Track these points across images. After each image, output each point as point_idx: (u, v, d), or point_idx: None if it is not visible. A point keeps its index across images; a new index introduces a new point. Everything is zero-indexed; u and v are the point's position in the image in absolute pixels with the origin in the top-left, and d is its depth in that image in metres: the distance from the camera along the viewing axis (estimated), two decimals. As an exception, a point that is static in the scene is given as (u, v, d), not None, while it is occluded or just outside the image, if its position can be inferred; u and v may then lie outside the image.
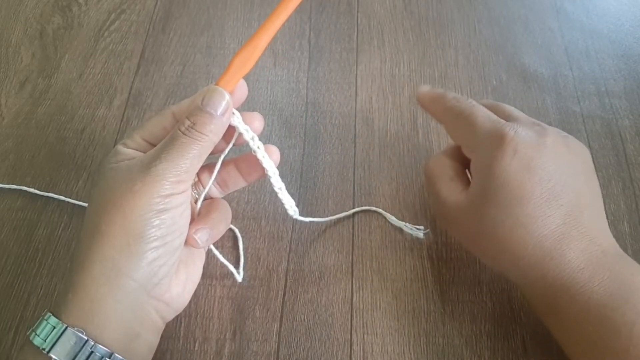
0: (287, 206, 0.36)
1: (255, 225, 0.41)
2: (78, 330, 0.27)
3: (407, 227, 0.39)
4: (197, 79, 0.48)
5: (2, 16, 0.52)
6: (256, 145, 0.33)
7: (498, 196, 0.30)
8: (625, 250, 0.40)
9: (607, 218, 0.42)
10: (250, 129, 0.32)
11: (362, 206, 0.42)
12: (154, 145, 0.31)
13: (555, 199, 0.30)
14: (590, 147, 0.45)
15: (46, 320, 0.28)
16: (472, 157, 0.33)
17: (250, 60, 0.31)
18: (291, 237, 0.40)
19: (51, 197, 0.41)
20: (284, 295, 0.38)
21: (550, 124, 0.46)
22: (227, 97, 0.30)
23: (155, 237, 0.28)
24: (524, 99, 0.48)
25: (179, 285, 0.32)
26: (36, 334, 0.27)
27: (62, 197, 0.41)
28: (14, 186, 0.42)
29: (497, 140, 0.31)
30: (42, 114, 0.46)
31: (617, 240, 0.41)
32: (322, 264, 0.39)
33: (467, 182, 0.34)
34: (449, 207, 0.33)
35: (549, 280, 0.30)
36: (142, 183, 0.28)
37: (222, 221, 0.34)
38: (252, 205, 0.42)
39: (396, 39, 0.52)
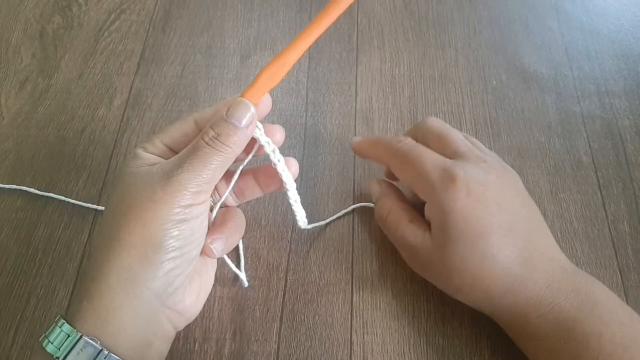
0: (298, 217, 0.36)
1: (255, 225, 0.41)
2: (92, 340, 0.27)
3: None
4: (197, 79, 0.49)
5: (2, 16, 0.52)
6: (277, 158, 0.33)
7: (462, 233, 0.31)
8: (625, 250, 0.41)
9: (607, 218, 0.42)
10: (271, 142, 0.32)
11: (362, 206, 0.42)
12: (174, 151, 0.31)
13: (512, 228, 0.32)
14: (590, 147, 0.45)
15: (59, 327, 0.27)
16: (426, 199, 0.34)
17: (278, 75, 0.30)
18: (291, 237, 0.40)
19: (51, 197, 0.41)
20: (284, 295, 0.38)
21: (550, 124, 0.47)
22: (252, 109, 0.30)
23: (173, 248, 0.28)
24: (524, 99, 0.48)
25: (193, 295, 0.32)
26: (49, 341, 0.27)
27: (62, 197, 0.41)
28: (14, 186, 0.42)
29: (449, 183, 0.32)
30: (42, 114, 0.46)
31: (617, 240, 0.41)
32: (322, 264, 0.39)
33: (424, 221, 0.35)
34: (417, 249, 0.34)
35: (521, 304, 0.32)
36: (162, 192, 0.28)
37: (237, 231, 0.34)
38: (252, 205, 0.42)
39: (396, 39, 0.52)
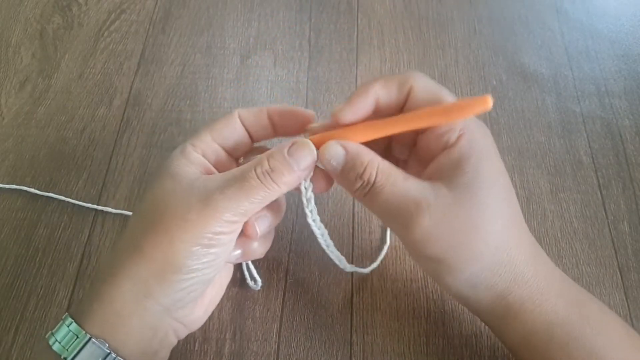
0: (336, 261, 0.35)
1: (255, 225, 0.41)
2: (101, 342, 0.27)
3: None
4: (197, 79, 0.48)
5: (2, 16, 0.52)
6: (309, 209, 0.31)
7: (495, 184, 0.28)
8: (625, 250, 0.40)
9: (607, 218, 0.42)
10: (310, 189, 0.31)
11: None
12: (222, 148, 0.31)
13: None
14: (590, 147, 0.45)
15: (67, 326, 0.27)
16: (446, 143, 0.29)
17: (353, 138, 0.29)
18: (291, 237, 0.40)
19: (51, 197, 0.41)
20: (284, 295, 0.38)
21: (550, 124, 0.47)
22: (315, 156, 0.29)
23: (193, 269, 0.28)
24: (524, 99, 0.48)
25: (202, 309, 0.32)
26: (56, 340, 0.27)
27: (62, 197, 0.41)
28: (14, 186, 0.42)
29: (485, 129, 0.29)
30: (42, 114, 0.46)
31: (617, 240, 0.41)
32: (322, 264, 0.39)
33: (420, 179, 0.29)
34: (428, 208, 0.27)
35: (540, 276, 0.29)
36: (197, 214, 0.27)
37: (279, 210, 0.33)
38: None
39: (396, 39, 0.52)
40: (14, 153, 0.44)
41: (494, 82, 0.49)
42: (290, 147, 0.29)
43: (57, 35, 0.51)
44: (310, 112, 0.32)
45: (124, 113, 0.46)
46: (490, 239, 0.28)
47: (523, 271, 0.29)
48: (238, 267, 0.38)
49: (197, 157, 0.30)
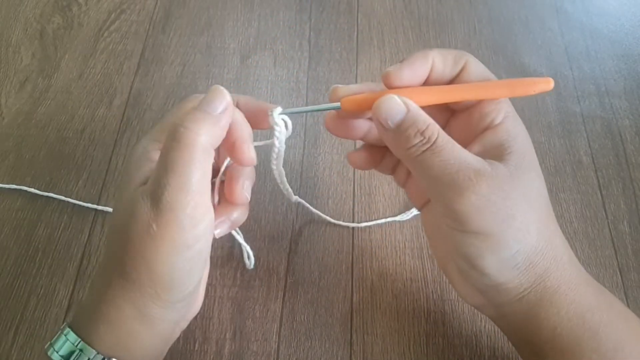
0: (284, 192, 0.35)
1: (255, 226, 0.41)
2: None
3: None
4: (197, 79, 0.48)
5: (2, 16, 0.52)
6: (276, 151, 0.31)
7: (535, 171, 0.28)
8: (625, 250, 0.41)
9: (607, 218, 0.42)
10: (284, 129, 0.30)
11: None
12: None
13: None
14: (590, 147, 0.45)
15: (73, 343, 0.27)
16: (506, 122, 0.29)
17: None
18: (291, 237, 0.40)
19: (51, 197, 0.41)
20: (284, 295, 0.38)
21: (550, 124, 0.47)
22: (228, 97, 0.27)
23: (183, 280, 0.27)
24: (524, 99, 0.48)
25: (198, 300, 0.32)
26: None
27: (62, 197, 0.41)
28: (14, 186, 0.42)
29: (517, 120, 0.30)
30: (42, 114, 0.46)
31: (617, 240, 0.41)
32: (322, 264, 0.39)
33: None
34: (485, 178, 0.26)
35: (574, 261, 0.29)
36: (156, 225, 0.25)
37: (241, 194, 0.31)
38: (252, 205, 0.41)
39: (396, 39, 0.52)
40: (14, 153, 0.44)
41: (494, 82, 0.49)
42: (202, 101, 0.27)
43: (57, 35, 0.51)
44: (271, 105, 0.30)
45: (124, 113, 0.46)
46: (539, 215, 0.28)
47: (561, 253, 0.29)
48: (234, 242, 0.38)
49: (156, 152, 0.28)
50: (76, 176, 0.43)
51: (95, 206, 0.41)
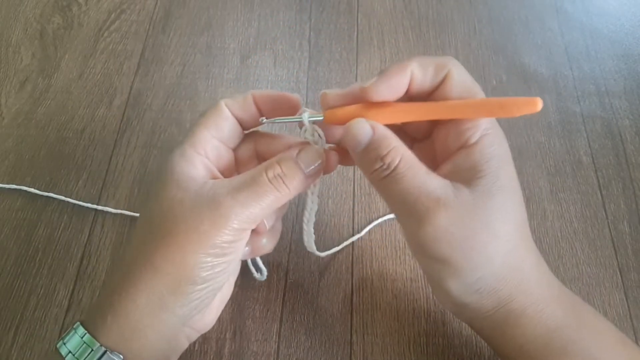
0: (305, 238, 0.35)
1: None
2: (116, 356, 0.27)
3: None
4: (197, 79, 0.48)
5: (2, 16, 0.52)
6: (312, 194, 0.32)
7: (513, 189, 0.28)
8: (625, 250, 0.40)
9: (607, 218, 0.42)
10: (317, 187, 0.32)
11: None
12: (220, 141, 0.30)
13: None
14: (590, 147, 0.45)
15: (80, 337, 0.27)
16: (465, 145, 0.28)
17: (381, 118, 0.28)
18: (291, 237, 0.40)
19: (51, 197, 0.41)
20: (284, 295, 0.38)
21: (550, 123, 0.47)
22: (322, 159, 0.29)
23: (207, 279, 0.28)
24: (524, 99, 0.48)
25: (212, 313, 0.32)
26: (69, 351, 0.27)
27: (62, 197, 0.41)
28: (14, 186, 0.42)
29: (502, 138, 0.29)
30: (42, 114, 0.46)
31: (617, 240, 0.41)
32: (322, 264, 0.39)
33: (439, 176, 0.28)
34: (446, 205, 0.26)
35: (543, 282, 0.29)
36: (210, 224, 0.27)
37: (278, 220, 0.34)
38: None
39: (396, 39, 0.52)
40: (14, 153, 0.44)
41: (494, 82, 0.49)
42: (299, 153, 0.29)
43: (57, 35, 0.51)
44: (296, 96, 0.31)
45: (124, 113, 0.46)
46: (503, 244, 0.27)
47: (528, 278, 0.28)
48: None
49: (200, 160, 0.29)
50: (76, 176, 0.43)
51: (95, 206, 0.41)
